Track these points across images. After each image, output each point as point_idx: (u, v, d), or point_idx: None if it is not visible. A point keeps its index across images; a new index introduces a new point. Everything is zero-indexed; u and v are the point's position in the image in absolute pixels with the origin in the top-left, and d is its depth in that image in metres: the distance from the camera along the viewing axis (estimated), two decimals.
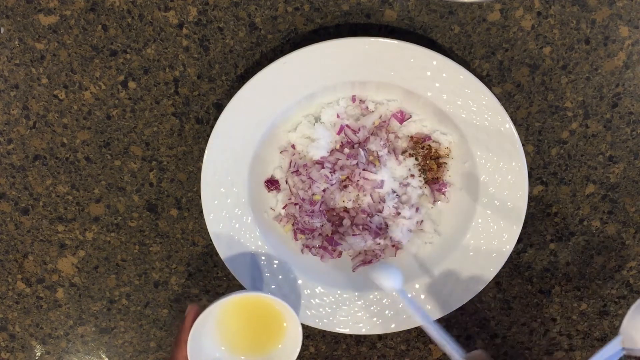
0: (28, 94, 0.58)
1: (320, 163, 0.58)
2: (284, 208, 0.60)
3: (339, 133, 0.58)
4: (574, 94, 0.58)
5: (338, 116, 0.58)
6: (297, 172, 0.58)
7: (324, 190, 0.58)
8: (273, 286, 0.59)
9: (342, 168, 0.58)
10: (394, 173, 0.59)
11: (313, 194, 0.58)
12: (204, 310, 0.51)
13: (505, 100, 0.58)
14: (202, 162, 0.56)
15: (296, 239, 0.61)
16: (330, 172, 0.57)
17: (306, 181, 0.58)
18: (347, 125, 0.57)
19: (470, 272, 0.58)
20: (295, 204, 0.59)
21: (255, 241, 0.58)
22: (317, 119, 0.58)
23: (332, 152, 0.58)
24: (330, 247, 0.60)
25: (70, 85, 0.58)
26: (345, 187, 0.59)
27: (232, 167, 0.57)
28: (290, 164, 0.59)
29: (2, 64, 0.57)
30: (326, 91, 0.56)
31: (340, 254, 0.61)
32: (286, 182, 0.59)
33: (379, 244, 0.60)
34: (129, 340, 0.65)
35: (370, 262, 0.60)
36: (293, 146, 0.59)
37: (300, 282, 0.59)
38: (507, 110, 0.54)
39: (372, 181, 0.58)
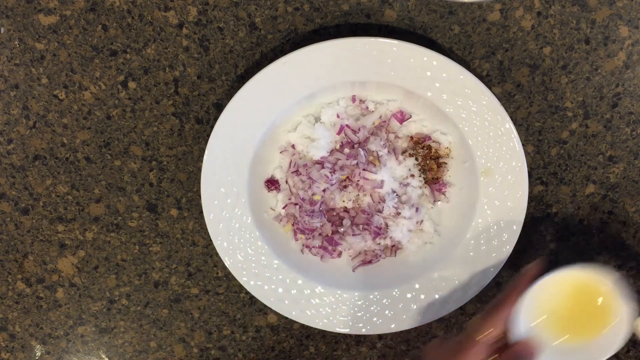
0: (28, 94, 0.58)
1: (320, 163, 0.58)
2: (284, 208, 0.60)
3: (339, 133, 0.58)
4: (574, 94, 0.58)
5: (338, 116, 0.58)
6: (297, 172, 0.58)
7: (324, 190, 0.58)
8: (273, 286, 0.59)
9: (342, 168, 0.58)
10: (394, 173, 0.59)
11: (313, 194, 0.58)
12: (536, 282, 0.48)
13: (505, 100, 0.58)
14: (202, 162, 0.56)
15: (296, 239, 0.61)
16: (330, 172, 0.57)
17: (306, 181, 0.58)
18: (347, 125, 0.57)
19: (470, 272, 0.58)
20: (295, 204, 0.59)
21: (255, 241, 0.58)
22: (317, 119, 0.58)
23: (332, 152, 0.58)
24: (330, 247, 0.60)
25: (70, 85, 0.58)
26: (345, 187, 0.59)
27: (232, 168, 0.57)
28: (290, 164, 0.59)
29: (2, 64, 0.57)
30: (326, 91, 0.56)
31: (340, 254, 0.61)
32: (286, 182, 0.59)
33: (379, 244, 0.60)
34: (129, 340, 0.65)
35: (370, 262, 0.60)
36: (293, 146, 0.59)
37: (300, 282, 0.59)
38: (507, 110, 0.54)
39: (372, 181, 0.58)
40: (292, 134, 0.58)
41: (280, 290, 0.59)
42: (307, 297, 0.59)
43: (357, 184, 0.58)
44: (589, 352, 0.50)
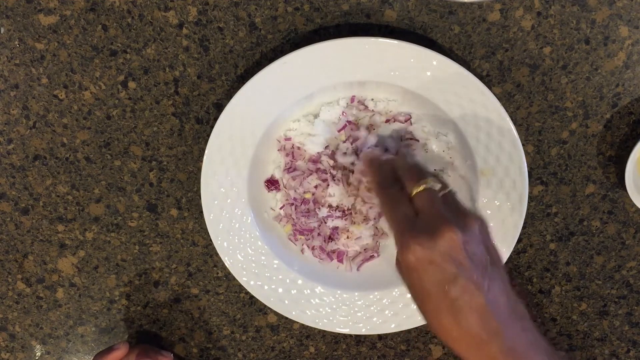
0: (28, 94, 0.58)
1: (314, 161, 0.58)
2: (281, 208, 0.60)
3: (340, 130, 0.57)
4: (574, 94, 0.58)
5: (344, 114, 0.57)
6: (289, 170, 0.58)
7: (315, 187, 0.58)
8: (273, 286, 0.59)
9: (334, 167, 0.58)
10: None
11: (304, 192, 0.58)
12: None
13: (505, 100, 0.58)
14: (202, 162, 0.56)
15: (296, 239, 0.61)
16: (324, 168, 0.57)
17: (297, 178, 0.58)
18: (349, 121, 0.57)
19: None
20: (291, 204, 0.59)
21: (255, 241, 0.58)
22: (316, 117, 0.58)
23: (327, 148, 0.58)
24: (332, 254, 0.60)
25: (70, 85, 0.58)
26: (337, 184, 0.58)
27: (232, 167, 0.57)
28: (285, 162, 0.58)
29: (2, 64, 0.57)
30: (326, 91, 0.56)
31: (341, 256, 0.60)
32: (282, 181, 0.59)
33: (378, 243, 0.60)
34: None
35: (371, 257, 0.60)
36: (292, 146, 0.58)
37: (300, 282, 0.59)
38: (507, 110, 0.54)
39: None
40: (292, 133, 0.58)
41: (280, 290, 0.59)
42: (307, 297, 0.59)
43: (350, 183, 0.58)
44: None
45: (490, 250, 0.47)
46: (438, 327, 0.46)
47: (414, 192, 0.48)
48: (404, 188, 0.50)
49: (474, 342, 0.45)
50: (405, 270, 0.47)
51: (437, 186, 0.48)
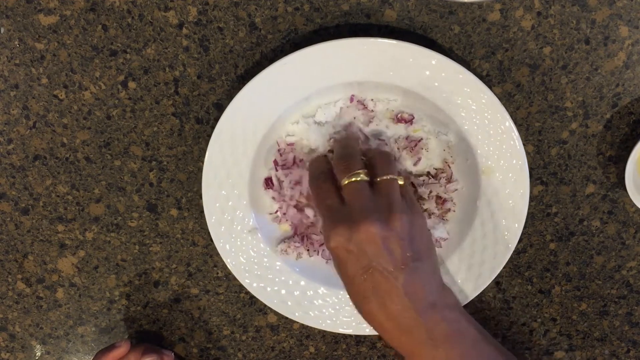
0: (28, 94, 0.58)
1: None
2: (279, 209, 0.59)
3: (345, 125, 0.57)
4: (574, 94, 0.58)
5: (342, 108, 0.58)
6: (283, 166, 0.58)
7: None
8: (276, 288, 0.59)
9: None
10: None
11: (300, 193, 0.58)
12: None
13: (505, 100, 0.58)
14: (202, 162, 0.56)
15: (295, 234, 0.60)
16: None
17: (289, 175, 0.58)
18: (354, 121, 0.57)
19: (470, 272, 0.58)
20: (288, 205, 0.59)
21: (257, 243, 0.58)
22: (316, 118, 0.58)
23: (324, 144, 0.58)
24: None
25: (70, 85, 0.58)
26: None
27: (233, 169, 0.57)
28: (282, 162, 0.58)
29: (2, 64, 0.57)
30: (326, 91, 0.56)
31: None
32: (277, 178, 0.59)
33: None
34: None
35: None
36: (292, 145, 0.58)
37: (302, 283, 0.59)
38: (507, 110, 0.54)
39: None
40: (292, 134, 0.58)
41: (283, 291, 0.59)
42: (310, 298, 0.59)
43: None
44: None
45: (418, 244, 0.50)
46: (366, 311, 0.50)
47: (343, 184, 0.51)
48: (336, 180, 0.53)
49: (397, 329, 0.49)
50: (332, 257, 0.51)
51: (365, 178, 0.51)
